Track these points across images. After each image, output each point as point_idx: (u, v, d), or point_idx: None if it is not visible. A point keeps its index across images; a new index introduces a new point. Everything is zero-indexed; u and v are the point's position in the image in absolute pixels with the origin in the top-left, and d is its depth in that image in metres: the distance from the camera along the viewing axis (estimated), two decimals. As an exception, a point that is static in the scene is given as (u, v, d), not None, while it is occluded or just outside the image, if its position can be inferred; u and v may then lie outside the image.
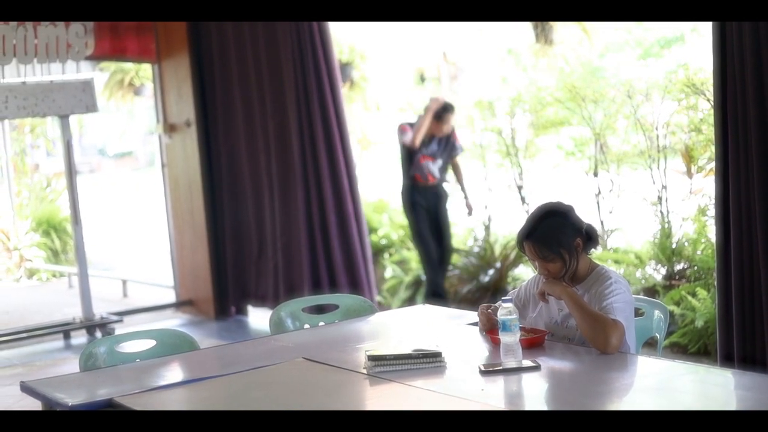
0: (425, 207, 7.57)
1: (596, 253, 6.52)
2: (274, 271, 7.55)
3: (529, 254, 3.38)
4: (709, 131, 5.95)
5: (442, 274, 7.60)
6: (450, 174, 7.74)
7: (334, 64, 7.16)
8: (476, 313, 3.88)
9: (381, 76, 9.97)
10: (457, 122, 7.74)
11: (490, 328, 3.39)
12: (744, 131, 4.37)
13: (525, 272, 7.42)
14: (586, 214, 6.58)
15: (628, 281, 3.43)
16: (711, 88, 4.92)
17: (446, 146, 7.59)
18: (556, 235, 3.33)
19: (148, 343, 3.69)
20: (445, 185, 7.68)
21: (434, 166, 7.51)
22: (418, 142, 7.42)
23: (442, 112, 7.46)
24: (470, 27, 10.77)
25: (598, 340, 3.14)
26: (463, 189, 7.76)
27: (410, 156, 7.53)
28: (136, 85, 12.09)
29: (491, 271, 7.48)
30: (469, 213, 7.76)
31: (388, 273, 8.15)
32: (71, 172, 7.41)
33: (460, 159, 7.82)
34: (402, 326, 3.97)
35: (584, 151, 7.11)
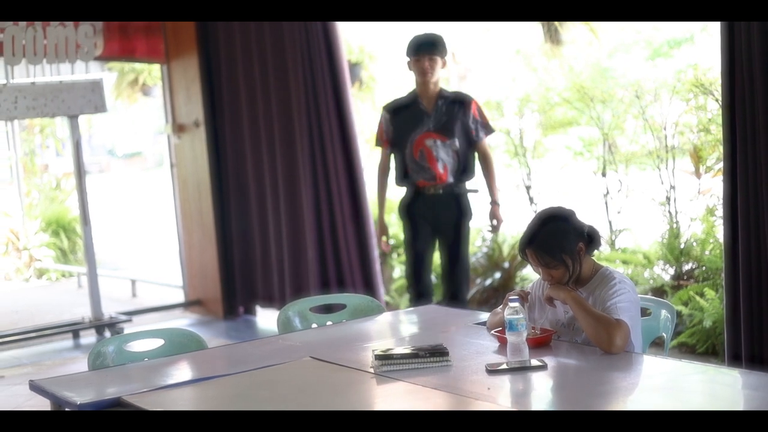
0: (431, 221, 5.66)
1: (605, 254, 6.53)
2: (281, 271, 7.56)
3: (532, 261, 3.37)
4: (717, 131, 5.94)
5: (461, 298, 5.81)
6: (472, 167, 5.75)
7: (341, 64, 7.13)
8: (482, 312, 3.89)
9: (390, 76, 9.98)
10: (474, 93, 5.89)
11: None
12: (753, 131, 4.36)
13: (533, 273, 7.40)
14: (594, 214, 6.62)
15: (635, 281, 3.44)
16: (720, 88, 4.91)
17: (458, 113, 5.57)
18: (557, 241, 3.32)
19: (157, 342, 3.70)
20: (468, 187, 5.72)
21: (445, 152, 5.58)
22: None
23: (416, 49, 5.56)
24: (479, 27, 10.77)
25: (602, 340, 3.14)
26: (491, 191, 5.78)
27: (401, 143, 5.62)
28: (149, 85, 12.15)
29: (499, 272, 7.48)
30: (495, 228, 5.91)
31: (396, 273, 8.15)
32: (80, 172, 7.43)
33: (489, 145, 5.86)
34: (409, 326, 3.97)
35: (592, 151, 7.10)
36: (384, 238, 5.93)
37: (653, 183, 6.57)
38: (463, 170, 5.67)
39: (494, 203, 5.77)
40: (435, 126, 5.58)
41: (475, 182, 5.81)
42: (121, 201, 17.23)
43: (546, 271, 3.34)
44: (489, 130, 5.73)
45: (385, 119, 5.80)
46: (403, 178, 5.75)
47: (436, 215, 5.66)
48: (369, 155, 9.04)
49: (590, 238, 3.37)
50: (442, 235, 5.71)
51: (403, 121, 5.67)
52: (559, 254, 3.30)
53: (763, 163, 4.32)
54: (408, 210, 5.73)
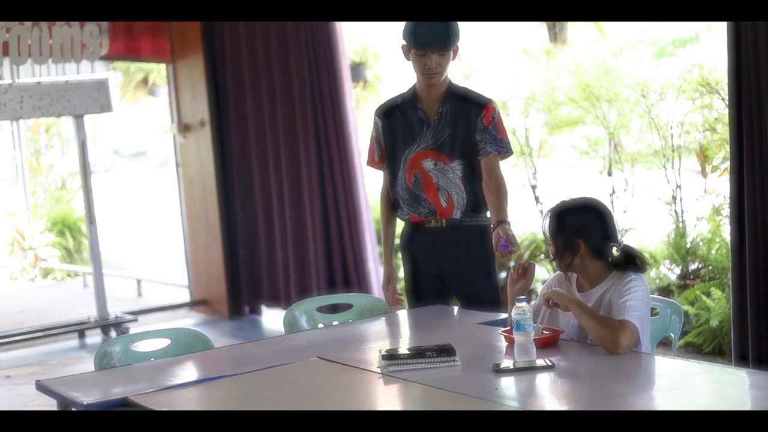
0: (435, 263, 4.14)
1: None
2: (287, 271, 7.56)
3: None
4: (723, 130, 5.94)
5: None
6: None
7: (342, 64, 7.10)
8: (488, 312, 3.88)
9: (395, 76, 9.97)
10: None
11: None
12: (759, 130, 4.35)
13: (539, 272, 7.39)
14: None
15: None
16: (726, 87, 4.91)
17: (463, 121, 3.99)
18: (567, 224, 3.40)
19: (163, 342, 3.70)
20: (482, 221, 4.07)
21: (450, 178, 4.02)
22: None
23: (422, 43, 3.96)
24: (484, 26, 10.76)
25: (606, 342, 3.14)
26: (497, 210, 3.91)
27: (393, 161, 4.14)
28: (155, 84, 12.14)
29: (505, 271, 7.46)
30: (504, 254, 3.73)
31: (402, 273, 8.12)
32: (86, 171, 7.44)
33: (502, 164, 4.08)
34: (415, 326, 3.97)
35: (598, 150, 7.10)
36: (390, 288, 4.32)
37: (659, 182, 6.57)
38: (477, 203, 4.07)
39: (501, 221, 3.85)
40: (435, 141, 4.04)
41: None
42: (127, 201, 17.24)
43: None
44: (503, 148, 4.03)
45: (378, 127, 4.24)
46: (395, 209, 4.25)
47: (442, 256, 4.13)
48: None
49: (628, 257, 3.37)
50: (453, 283, 4.17)
51: (396, 131, 4.13)
52: (556, 234, 3.41)
53: (769, 162, 4.31)
54: (406, 248, 4.26)
